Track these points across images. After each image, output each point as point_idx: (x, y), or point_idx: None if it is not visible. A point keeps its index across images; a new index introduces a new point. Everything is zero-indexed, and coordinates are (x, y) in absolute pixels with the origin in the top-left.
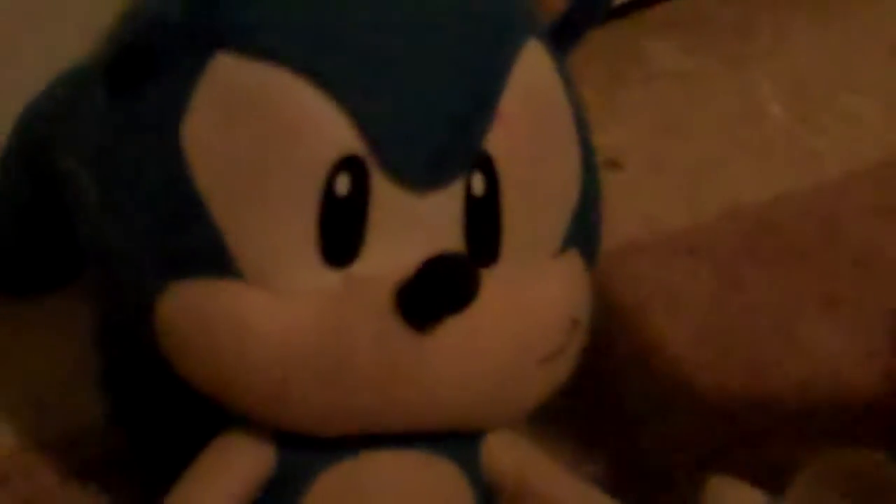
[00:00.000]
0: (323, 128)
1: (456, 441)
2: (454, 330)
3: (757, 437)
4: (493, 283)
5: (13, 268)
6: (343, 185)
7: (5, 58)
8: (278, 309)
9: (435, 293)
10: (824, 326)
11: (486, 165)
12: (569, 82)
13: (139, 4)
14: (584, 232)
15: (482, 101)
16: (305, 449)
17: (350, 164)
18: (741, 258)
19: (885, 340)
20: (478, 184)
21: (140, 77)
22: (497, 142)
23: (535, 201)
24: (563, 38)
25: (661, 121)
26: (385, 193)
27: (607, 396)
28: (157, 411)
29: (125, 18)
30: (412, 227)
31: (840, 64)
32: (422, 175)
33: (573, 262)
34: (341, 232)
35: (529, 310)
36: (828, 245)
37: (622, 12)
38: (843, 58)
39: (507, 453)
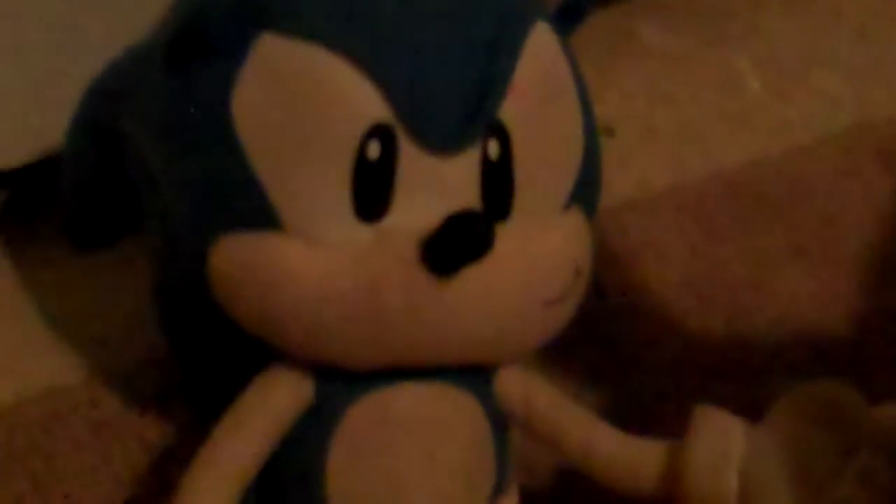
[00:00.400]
0: (356, 100)
1: (472, 374)
2: (472, 277)
3: (736, 371)
4: (506, 236)
5: (81, 222)
6: (373, 150)
7: (72, 37)
8: (316, 258)
9: (455, 245)
10: (794, 274)
11: (500, 132)
12: (572, 59)
13: None
14: (585, 191)
15: (497, 76)
16: (340, 381)
17: (380, 132)
18: (721, 214)
19: (847, 286)
20: (493, 149)
21: (194, 54)
22: (510, 112)
23: (543, 164)
24: (566, 20)
25: (650, 92)
26: (411, 157)
27: (603, 336)
28: (210, 349)
29: (180, 1)
30: (435, 187)
31: (810, 43)
32: (443, 141)
33: (576, 217)
34: (372, 191)
35: (537, 259)
36: (798, 203)
37: None
38: (812, 38)
39: (516, 385)
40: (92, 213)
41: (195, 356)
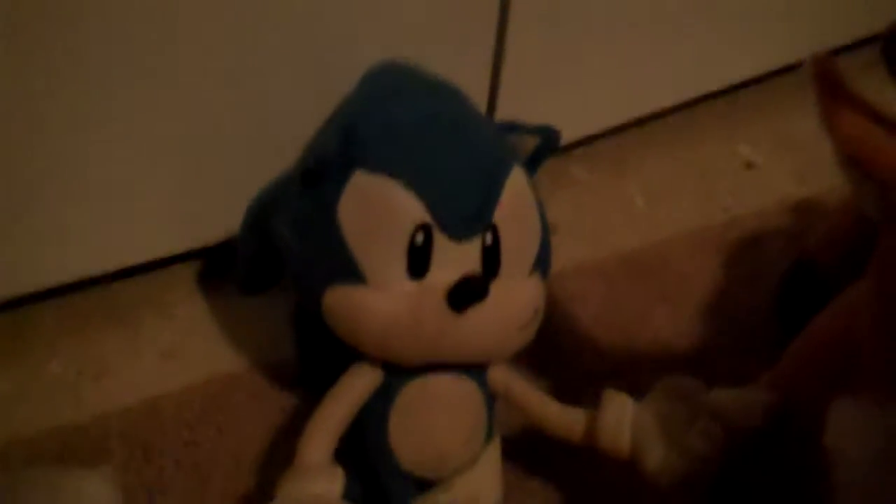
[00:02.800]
0: (409, 209)
1: (475, 369)
2: (475, 313)
3: (628, 372)
4: (496, 289)
5: (249, 277)
6: (419, 238)
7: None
8: (384, 300)
9: (467, 294)
10: (662, 314)
11: (493, 228)
12: (534, 186)
13: (316, 140)
14: (542, 263)
15: (493, 195)
16: (397, 372)
17: (423, 228)
18: (619, 278)
19: (694, 322)
20: (489, 238)
21: (317, 180)
22: (499, 216)
23: (518, 247)
24: (531, 164)
25: (577, 206)
26: (441, 243)
27: (550, 349)
28: (323, 354)
29: (309, 151)
30: (455, 260)
31: (691, 176)
32: (461, 233)
33: (536, 278)
34: (418, 262)
35: (514, 303)
36: (664, 270)
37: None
38: (692, 172)
39: (501, 375)
40: (255, 271)
41: (315, 358)
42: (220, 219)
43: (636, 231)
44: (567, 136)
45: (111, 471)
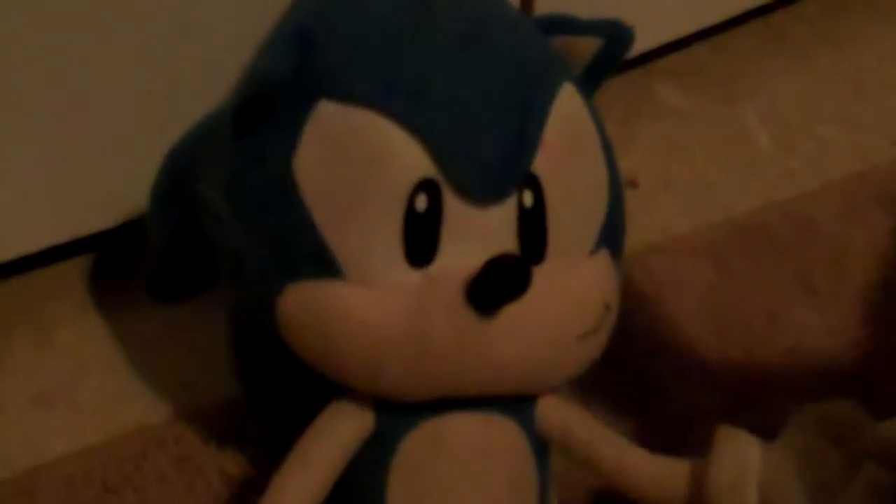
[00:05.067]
0: (403, 157)
1: (516, 403)
2: (511, 314)
3: (753, 398)
4: (541, 277)
5: (163, 278)
6: (421, 202)
7: (153, 104)
8: (372, 301)
9: (496, 286)
10: (803, 309)
11: (534, 183)
12: (596, 117)
13: (257, 61)
14: (611, 235)
15: (530, 133)
16: (397, 412)
17: (426, 186)
18: (734, 255)
19: (852, 318)
20: (527, 198)
21: (259, 121)
22: (542, 164)
23: (573, 211)
24: (589, 82)
25: (668, 147)
26: (455, 208)
27: (631, 366)
28: (281, 387)
29: (246, 73)
30: (476, 234)
31: (812, 100)
32: (484, 192)
33: (604, 258)
34: (421, 239)
35: (570, 298)
36: (805, 244)
37: (636, 62)
38: (813, 95)
39: (554, 411)
40: (172, 268)
41: (268, 395)
42: (119, 193)
43: (758, 183)
44: (646, 40)
45: None
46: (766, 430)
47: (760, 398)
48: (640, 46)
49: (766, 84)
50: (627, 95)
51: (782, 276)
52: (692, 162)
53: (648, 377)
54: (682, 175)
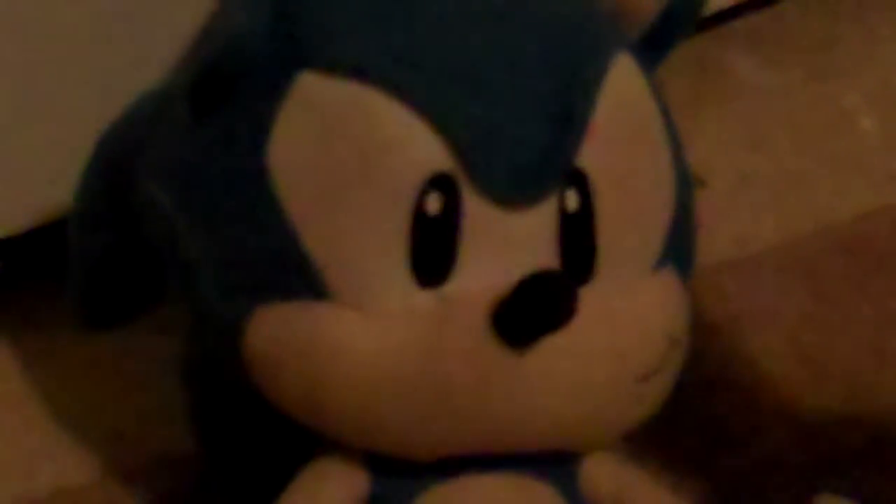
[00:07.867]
0: (412, 146)
1: (554, 464)
2: (551, 349)
3: (857, 460)
4: (590, 300)
5: (91, 298)
6: (434, 203)
7: (80, 77)
8: (370, 330)
9: (532, 312)
10: None
11: (580, 181)
12: (659, 97)
13: (216, 20)
14: (679, 247)
15: (573, 116)
16: (399, 474)
17: (441, 183)
18: (833, 275)
19: None
20: (571, 199)
21: (222, 99)
22: (590, 157)
23: (630, 217)
24: (651, 51)
25: (746, 136)
26: (477, 211)
27: (703, 416)
28: (246, 438)
29: (203, 36)
30: (506, 244)
31: None
32: (514, 191)
33: (669, 278)
34: (433, 251)
35: (627, 328)
36: None
37: (705, 26)
38: None
39: (606, 475)
40: (104, 286)
41: (229, 447)
42: (32, 190)
43: (862, 182)
44: None
45: None
46: (882, 497)
47: (867, 463)
48: (710, 5)
49: (871, 54)
50: (695, 69)
51: (894, 301)
52: (777, 155)
53: (723, 431)
54: (765, 171)
